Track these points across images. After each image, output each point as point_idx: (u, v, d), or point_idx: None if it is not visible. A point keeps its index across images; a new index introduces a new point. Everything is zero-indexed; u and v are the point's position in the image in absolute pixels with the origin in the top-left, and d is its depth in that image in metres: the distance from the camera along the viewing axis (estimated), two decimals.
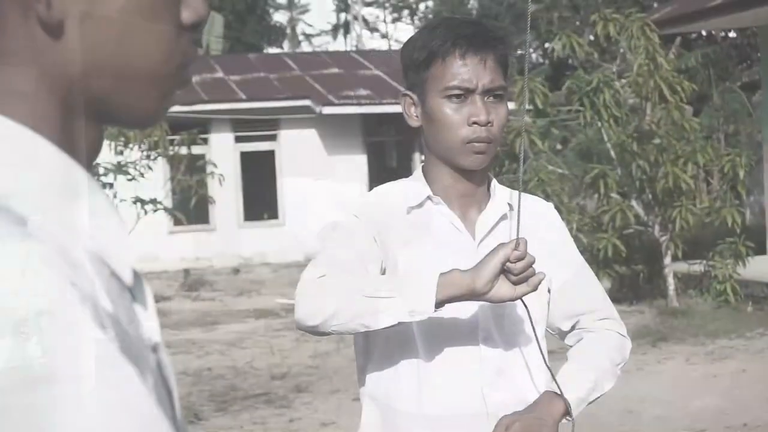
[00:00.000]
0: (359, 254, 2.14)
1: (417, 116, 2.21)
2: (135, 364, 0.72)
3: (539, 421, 2.11)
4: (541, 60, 31.18)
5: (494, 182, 2.27)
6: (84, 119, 0.81)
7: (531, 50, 32.50)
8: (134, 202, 13.15)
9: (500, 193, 2.26)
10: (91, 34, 0.78)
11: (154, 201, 13.37)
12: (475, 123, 2.13)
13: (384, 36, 48.50)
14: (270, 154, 19.03)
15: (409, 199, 2.21)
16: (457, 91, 2.14)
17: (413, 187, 2.24)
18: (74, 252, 0.73)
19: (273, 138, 19.08)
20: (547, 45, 29.15)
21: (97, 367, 0.67)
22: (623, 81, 11.18)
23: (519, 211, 2.10)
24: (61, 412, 0.65)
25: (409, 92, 2.22)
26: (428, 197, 2.20)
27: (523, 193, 2.28)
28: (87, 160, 0.82)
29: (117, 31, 0.78)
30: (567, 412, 2.17)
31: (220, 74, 20.09)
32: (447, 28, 2.17)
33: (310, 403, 7.70)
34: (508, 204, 2.24)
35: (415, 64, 2.18)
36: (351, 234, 2.16)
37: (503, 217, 2.22)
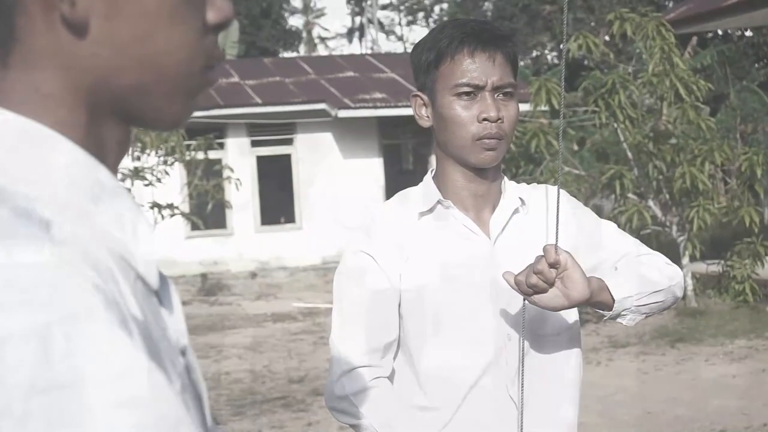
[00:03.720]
0: (377, 306, 2.17)
1: (428, 116, 2.21)
2: (163, 368, 0.72)
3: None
4: (556, 61, 31.12)
5: (505, 179, 2.26)
6: (109, 120, 0.81)
7: (546, 51, 32.46)
8: (151, 207, 13.19)
9: (510, 189, 2.26)
10: (116, 34, 0.77)
11: (171, 206, 13.40)
12: (485, 120, 2.13)
13: (399, 38, 48.53)
14: (286, 158, 19.06)
15: (419, 206, 2.21)
16: (466, 89, 2.14)
17: (423, 193, 2.24)
18: (99, 255, 0.73)
19: (289, 142, 19.10)
20: (562, 46, 29.04)
21: (122, 372, 0.67)
22: (639, 81, 11.14)
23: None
24: (85, 417, 0.65)
25: (419, 93, 2.22)
26: (438, 201, 2.20)
27: (531, 186, 2.29)
28: (113, 161, 0.82)
29: (142, 31, 0.78)
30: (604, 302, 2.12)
31: (235, 79, 20.12)
32: (455, 27, 2.18)
33: None
34: (519, 198, 2.23)
35: (425, 65, 2.18)
36: (367, 286, 2.17)
37: (515, 212, 2.21)
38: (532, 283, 1.99)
